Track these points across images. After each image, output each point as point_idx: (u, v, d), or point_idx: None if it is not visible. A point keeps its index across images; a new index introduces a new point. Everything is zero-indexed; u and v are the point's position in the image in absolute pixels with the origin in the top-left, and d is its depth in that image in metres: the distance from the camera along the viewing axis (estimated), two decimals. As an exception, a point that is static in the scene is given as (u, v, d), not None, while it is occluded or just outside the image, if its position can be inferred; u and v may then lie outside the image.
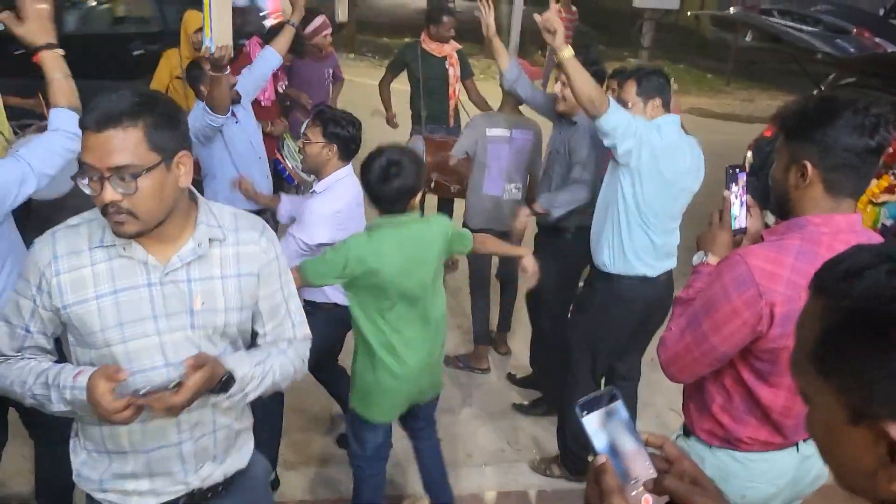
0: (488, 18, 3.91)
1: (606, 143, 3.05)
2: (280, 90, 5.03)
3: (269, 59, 4.08)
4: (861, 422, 0.77)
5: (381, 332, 2.75)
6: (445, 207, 5.42)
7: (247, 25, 5.84)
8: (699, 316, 1.85)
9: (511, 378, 4.51)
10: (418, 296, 2.73)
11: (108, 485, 1.84)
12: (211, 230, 1.74)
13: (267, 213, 3.84)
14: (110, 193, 1.54)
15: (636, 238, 3.18)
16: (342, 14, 14.79)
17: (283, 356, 1.89)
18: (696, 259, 2.02)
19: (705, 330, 1.83)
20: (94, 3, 7.82)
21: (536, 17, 3.02)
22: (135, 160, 1.54)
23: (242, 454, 1.98)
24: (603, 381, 3.59)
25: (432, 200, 5.34)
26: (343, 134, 3.16)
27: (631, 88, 3.16)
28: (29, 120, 4.77)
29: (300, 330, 1.96)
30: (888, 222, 4.31)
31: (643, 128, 3.02)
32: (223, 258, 1.76)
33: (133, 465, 1.80)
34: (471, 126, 4.33)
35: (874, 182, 4.17)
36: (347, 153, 3.21)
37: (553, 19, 2.96)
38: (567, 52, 3.00)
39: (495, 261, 4.66)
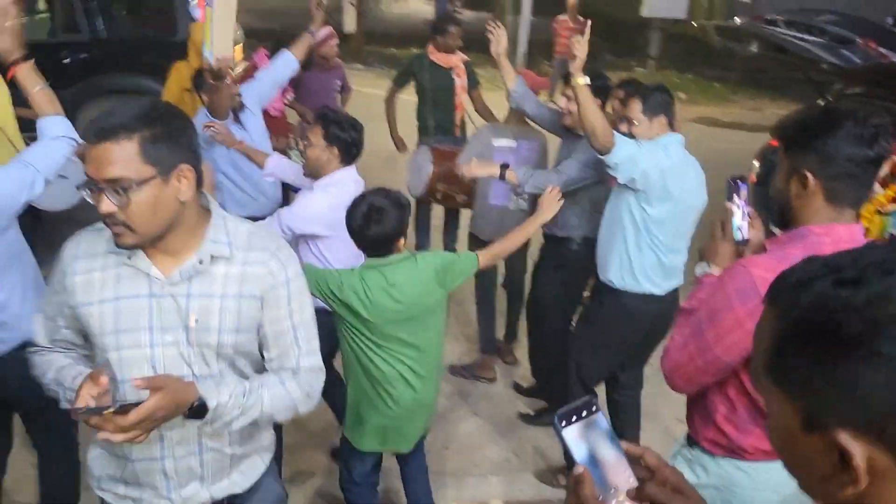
0: (499, 39, 3.85)
1: (612, 174, 3.09)
2: (286, 102, 5.07)
3: (286, 62, 4.09)
4: (813, 430, 0.79)
5: (370, 372, 2.73)
6: (452, 217, 5.43)
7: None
8: (702, 326, 1.85)
9: (517, 388, 4.52)
10: (412, 342, 2.71)
11: (104, 484, 1.88)
12: (216, 247, 1.70)
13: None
14: (106, 205, 1.56)
15: (645, 257, 3.19)
16: (350, 24, 14.96)
17: (279, 387, 1.79)
18: (699, 270, 2.03)
19: (709, 340, 1.83)
20: (26, 14, 7.89)
21: (574, 38, 3.05)
22: (128, 173, 1.54)
23: (240, 479, 1.91)
24: (604, 389, 3.60)
25: (439, 209, 5.36)
26: (344, 136, 3.13)
27: (636, 106, 3.18)
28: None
29: (307, 360, 1.85)
30: (896, 231, 4.31)
31: (649, 152, 3.04)
32: (227, 277, 1.71)
33: (124, 471, 1.83)
34: (477, 137, 4.35)
35: (881, 192, 4.17)
36: (349, 156, 3.17)
37: (579, 46, 2.99)
38: (581, 80, 3.02)
39: (501, 269, 4.66)
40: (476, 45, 3.77)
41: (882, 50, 6.02)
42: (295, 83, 5.11)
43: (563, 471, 3.67)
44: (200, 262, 1.68)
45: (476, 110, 5.43)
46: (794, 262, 1.71)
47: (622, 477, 1.00)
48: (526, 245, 4.56)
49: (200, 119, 3.60)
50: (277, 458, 3.22)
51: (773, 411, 0.85)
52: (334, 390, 3.37)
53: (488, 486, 3.69)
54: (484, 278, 4.53)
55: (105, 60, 6.74)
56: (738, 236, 1.93)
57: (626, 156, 3.00)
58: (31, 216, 4.42)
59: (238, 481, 1.90)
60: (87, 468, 1.92)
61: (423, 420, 2.95)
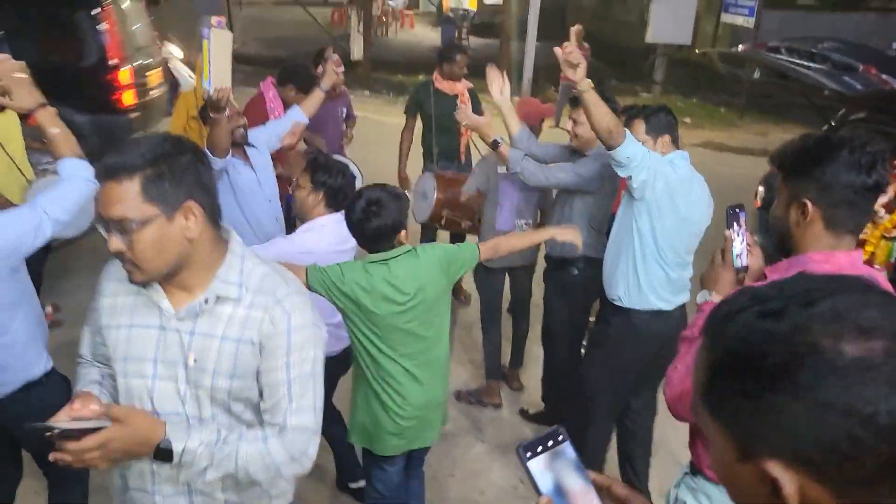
0: (500, 86, 3.80)
1: (621, 173, 3.08)
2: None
3: (295, 119, 4.14)
4: (748, 460, 0.79)
5: (381, 368, 2.75)
6: (457, 242, 5.44)
7: None
8: (704, 353, 1.85)
9: (523, 414, 4.50)
10: (418, 333, 2.73)
11: (115, 499, 1.90)
12: (224, 287, 1.67)
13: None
14: (113, 243, 1.57)
15: (652, 272, 3.20)
16: (357, 52, 15.10)
17: (259, 444, 1.67)
18: (700, 298, 2.04)
19: (711, 367, 1.83)
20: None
21: (557, 50, 3.03)
22: (129, 213, 1.53)
23: None
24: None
25: (444, 235, 5.38)
26: (331, 183, 3.15)
27: (640, 127, 3.20)
28: (49, 161, 4.87)
29: (297, 418, 1.69)
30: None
31: (657, 161, 3.06)
32: (231, 318, 1.67)
33: (124, 496, 1.83)
34: (482, 164, 4.38)
35: (887, 217, 4.17)
36: (334, 202, 3.18)
37: (575, 53, 3.00)
38: (587, 85, 3.03)
39: (507, 294, 4.67)
40: (482, 71, 3.81)
41: (884, 76, 6.06)
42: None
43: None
44: (206, 302, 1.65)
45: (481, 137, 5.45)
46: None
47: None
48: (531, 270, 4.58)
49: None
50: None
51: (712, 441, 0.85)
52: (333, 424, 3.36)
53: (494, 514, 3.67)
54: (489, 303, 4.54)
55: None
56: (738, 263, 1.94)
57: (635, 152, 2.99)
58: (41, 246, 4.48)
59: None
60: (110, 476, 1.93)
61: (438, 416, 2.96)
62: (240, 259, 1.71)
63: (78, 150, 2.54)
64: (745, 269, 1.96)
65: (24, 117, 2.49)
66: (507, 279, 4.56)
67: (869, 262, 3.98)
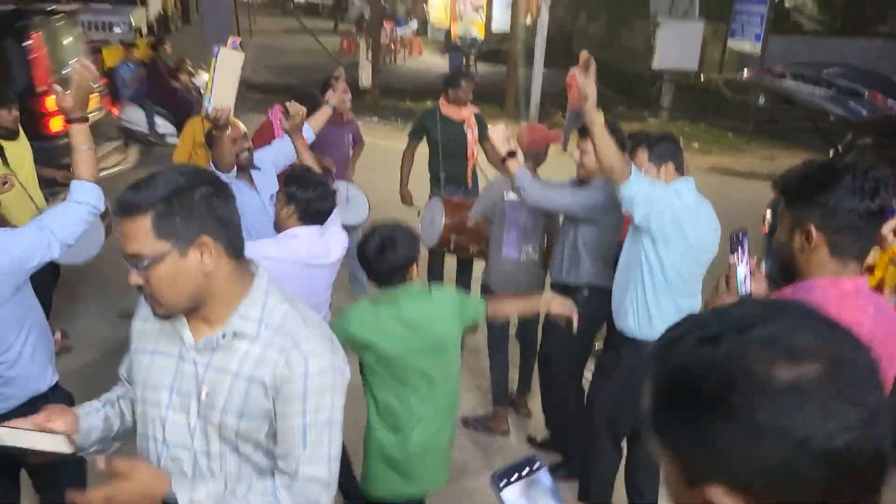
0: (500, 141, 3.75)
1: (625, 208, 3.09)
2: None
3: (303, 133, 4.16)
4: (693, 485, 0.79)
5: (386, 406, 2.73)
6: (464, 268, 5.45)
7: None
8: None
9: (531, 441, 4.47)
10: (426, 374, 2.71)
11: None
12: (243, 323, 1.64)
13: None
14: (132, 278, 1.58)
15: (662, 303, 3.18)
16: (366, 79, 15.22)
17: (268, 498, 1.63)
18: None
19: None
20: None
21: (570, 78, 3.05)
22: (142, 249, 1.54)
23: None
24: (625, 445, 3.55)
25: (452, 260, 5.39)
26: (301, 195, 3.04)
27: (643, 155, 3.21)
28: (58, 188, 4.93)
29: (309, 468, 1.64)
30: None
31: (662, 194, 3.06)
32: (246, 355, 1.64)
33: None
34: (488, 189, 4.40)
35: (896, 242, 4.15)
36: (306, 216, 3.06)
37: (588, 85, 3.02)
38: (598, 118, 3.04)
39: (514, 320, 4.66)
40: (489, 97, 3.85)
41: (889, 102, 6.07)
42: (309, 137, 5.19)
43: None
44: (223, 336, 1.63)
45: (489, 161, 5.50)
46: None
47: None
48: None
49: None
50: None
51: (663, 467, 0.85)
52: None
53: (502, 543, 3.62)
54: (497, 329, 4.53)
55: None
56: (742, 289, 1.94)
57: (640, 189, 3.00)
58: (50, 271, 4.52)
59: None
60: None
61: (437, 466, 2.91)
62: (263, 295, 1.67)
63: (95, 174, 2.59)
64: (749, 294, 1.95)
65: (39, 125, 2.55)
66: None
67: (878, 288, 3.95)
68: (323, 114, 4.19)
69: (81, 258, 4.33)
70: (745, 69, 12.72)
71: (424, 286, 2.84)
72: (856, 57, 12.87)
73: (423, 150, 5.57)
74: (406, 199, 5.64)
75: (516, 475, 0.99)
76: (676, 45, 13.79)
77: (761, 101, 8.40)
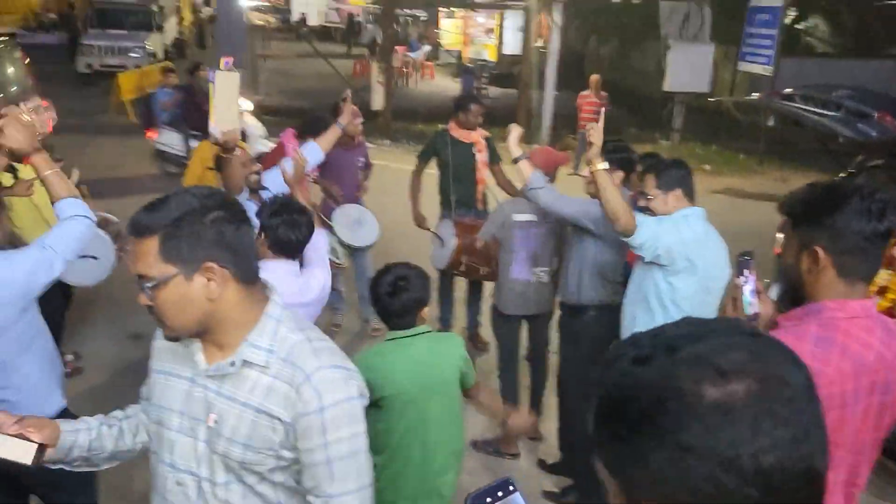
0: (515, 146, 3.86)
1: (635, 252, 3.12)
2: (311, 178, 5.17)
3: (312, 153, 4.11)
4: None
5: (386, 447, 2.67)
6: (475, 290, 5.45)
7: None
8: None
9: (542, 464, 4.43)
10: (426, 418, 2.67)
11: None
12: (252, 352, 1.61)
13: None
14: (141, 298, 1.57)
15: None
16: (378, 102, 15.35)
17: None
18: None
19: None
20: None
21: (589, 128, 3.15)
22: (149, 271, 1.53)
23: None
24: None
25: (462, 282, 5.39)
26: (268, 222, 2.92)
27: (650, 182, 3.21)
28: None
29: (339, 502, 1.63)
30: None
31: (670, 231, 3.07)
32: (255, 385, 1.61)
33: None
34: (497, 211, 4.41)
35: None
36: (275, 246, 2.94)
37: (594, 133, 3.06)
38: (600, 166, 3.07)
39: (524, 342, 4.64)
40: (501, 119, 3.87)
41: (898, 123, 6.09)
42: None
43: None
44: (232, 365, 1.61)
45: (498, 184, 5.51)
46: (810, 338, 1.72)
47: None
48: (549, 318, 4.56)
49: None
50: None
51: (607, 487, 0.85)
52: None
53: (511, 568, 3.58)
54: (506, 352, 4.51)
55: None
56: (749, 311, 1.92)
57: (648, 236, 3.03)
58: (62, 295, 4.55)
59: None
60: None
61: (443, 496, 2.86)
62: (275, 323, 1.64)
63: (73, 190, 2.63)
64: (756, 316, 1.94)
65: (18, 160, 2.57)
66: (525, 327, 4.54)
67: (891, 310, 3.92)
68: (332, 134, 4.20)
69: (93, 280, 4.37)
70: (755, 92, 12.73)
71: (434, 324, 2.83)
72: (867, 78, 12.85)
73: (433, 172, 5.60)
74: (419, 221, 5.66)
75: (490, 498, 0.98)
76: (687, 68, 13.85)
77: (770, 122, 8.38)
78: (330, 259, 4.77)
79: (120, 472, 2.28)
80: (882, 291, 4.00)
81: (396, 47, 18.96)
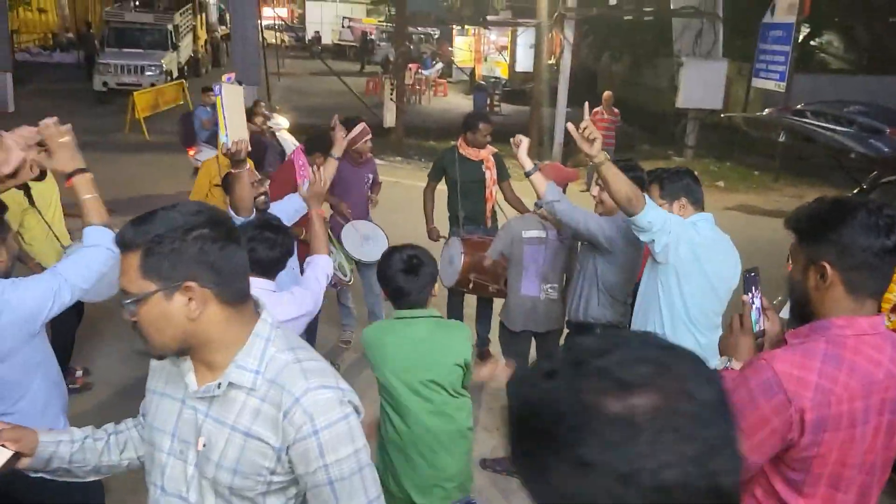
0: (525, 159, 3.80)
1: (643, 238, 3.06)
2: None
3: (296, 205, 4.09)
4: None
5: (395, 431, 2.72)
6: (484, 307, 5.42)
7: None
8: (725, 422, 1.80)
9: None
10: (425, 399, 2.69)
11: None
12: (238, 374, 1.56)
13: None
14: (124, 313, 1.54)
15: (681, 339, 3.13)
16: (390, 120, 15.43)
17: None
18: (718, 365, 1.99)
19: (733, 437, 1.77)
20: None
21: (570, 126, 3.06)
22: (129, 287, 1.50)
23: None
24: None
25: (472, 299, 5.36)
26: (248, 244, 2.86)
27: (654, 191, 3.19)
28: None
29: None
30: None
31: (679, 225, 3.03)
32: (243, 408, 1.56)
33: None
34: (506, 228, 4.39)
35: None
36: (251, 266, 2.95)
37: (591, 128, 3.01)
38: (602, 158, 3.03)
39: (534, 358, 4.61)
40: (510, 137, 3.86)
41: (912, 139, 6.03)
42: (328, 176, 5.23)
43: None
44: (219, 387, 1.56)
45: (507, 200, 5.50)
46: (818, 356, 1.69)
47: None
48: (558, 335, 4.53)
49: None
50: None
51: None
52: None
53: (520, 589, 3.54)
54: (517, 369, 4.48)
55: None
56: (756, 328, 1.90)
57: (656, 218, 2.98)
58: (74, 312, 4.56)
59: None
60: None
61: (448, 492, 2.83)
62: (263, 342, 1.59)
63: (107, 218, 2.58)
64: (763, 333, 1.91)
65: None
66: (534, 344, 4.51)
67: (906, 327, 3.86)
68: (330, 167, 4.13)
69: (104, 296, 4.37)
70: (767, 108, 12.69)
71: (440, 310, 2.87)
72: (881, 94, 12.78)
73: (443, 189, 5.60)
74: (433, 235, 5.67)
75: None
76: (700, 84, 13.84)
77: (781, 138, 8.34)
78: (337, 276, 4.79)
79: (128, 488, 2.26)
80: (896, 309, 3.94)
81: (409, 65, 19.08)
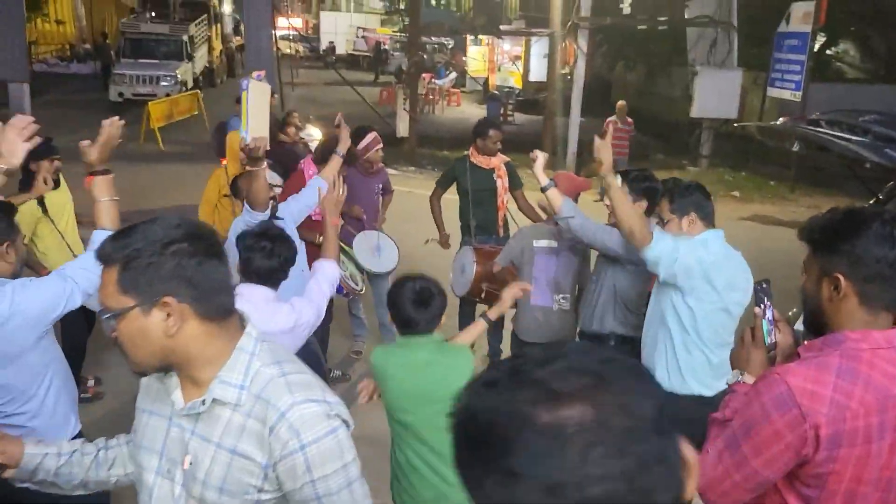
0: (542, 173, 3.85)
1: (649, 268, 3.06)
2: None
3: (316, 187, 4.13)
4: None
5: (403, 456, 2.69)
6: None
7: None
8: (738, 438, 1.76)
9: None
10: (427, 428, 2.65)
11: None
12: (222, 389, 1.52)
13: None
14: (106, 329, 1.51)
15: (693, 356, 3.10)
16: (403, 129, 15.46)
17: None
18: (730, 378, 1.95)
19: (745, 452, 1.73)
20: None
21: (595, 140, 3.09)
22: (107, 302, 1.48)
23: None
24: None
25: (482, 309, 5.32)
26: (240, 245, 2.88)
27: (664, 206, 3.16)
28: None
29: None
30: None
31: (688, 249, 3.01)
32: (228, 424, 1.53)
33: None
34: (517, 237, 4.37)
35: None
36: (245, 271, 2.88)
37: (604, 149, 3.01)
38: (614, 182, 3.03)
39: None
40: (525, 146, 3.86)
41: (928, 149, 5.95)
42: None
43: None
44: (203, 403, 1.52)
45: (520, 209, 5.48)
46: (832, 370, 1.65)
47: None
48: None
49: (239, 224, 3.56)
50: None
51: None
52: None
53: None
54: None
55: None
56: (767, 340, 1.87)
57: (663, 250, 2.97)
58: (85, 320, 4.58)
59: None
60: None
61: None
62: (248, 357, 1.55)
63: (118, 223, 2.57)
64: (775, 345, 1.88)
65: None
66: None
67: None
68: (333, 163, 4.16)
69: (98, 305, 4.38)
70: (781, 118, 12.60)
71: (445, 333, 2.85)
72: (898, 104, 12.67)
73: (454, 198, 5.58)
74: (445, 241, 5.68)
75: None
76: (715, 94, 13.77)
77: (795, 147, 8.27)
78: (349, 285, 4.77)
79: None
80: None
81: (423, 74, 19.12)
